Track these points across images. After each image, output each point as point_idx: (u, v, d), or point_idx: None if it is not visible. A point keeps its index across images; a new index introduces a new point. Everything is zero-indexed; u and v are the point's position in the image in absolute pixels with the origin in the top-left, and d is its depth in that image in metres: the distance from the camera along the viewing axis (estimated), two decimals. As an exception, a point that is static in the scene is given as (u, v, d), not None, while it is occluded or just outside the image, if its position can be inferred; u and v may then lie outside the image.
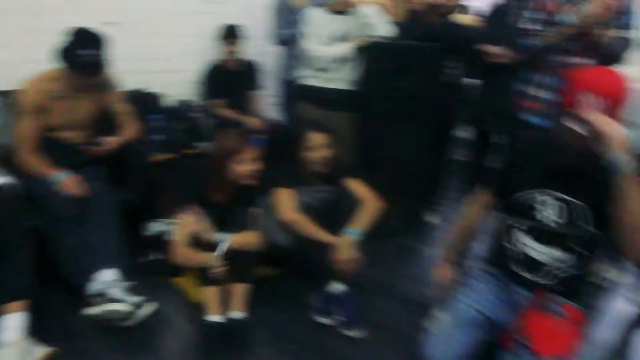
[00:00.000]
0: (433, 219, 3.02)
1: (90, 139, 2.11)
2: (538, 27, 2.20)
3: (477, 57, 2.49)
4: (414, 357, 1.63)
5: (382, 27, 2.55)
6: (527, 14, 2.24)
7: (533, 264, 1.49)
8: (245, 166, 1.99)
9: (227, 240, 1.93)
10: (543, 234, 1.47)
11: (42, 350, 1.59)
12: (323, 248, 1.95)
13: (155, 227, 2.37)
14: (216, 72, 3.19)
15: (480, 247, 1.71)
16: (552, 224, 1.45)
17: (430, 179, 2.96)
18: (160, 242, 2.29)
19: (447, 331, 1.57)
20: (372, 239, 2.05)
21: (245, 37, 3.21)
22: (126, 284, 1.85)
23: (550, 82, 2.18)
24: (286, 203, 2.04)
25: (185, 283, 2.16)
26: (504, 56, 2.36)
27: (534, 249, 1.49)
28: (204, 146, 2.91)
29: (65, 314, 1.86)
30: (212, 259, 1.88)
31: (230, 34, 3.16)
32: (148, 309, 1.81)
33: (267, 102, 3.54)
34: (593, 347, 1.62)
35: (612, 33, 2.07)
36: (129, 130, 2.28)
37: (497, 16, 2.50)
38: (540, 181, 1.47)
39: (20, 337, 1.55)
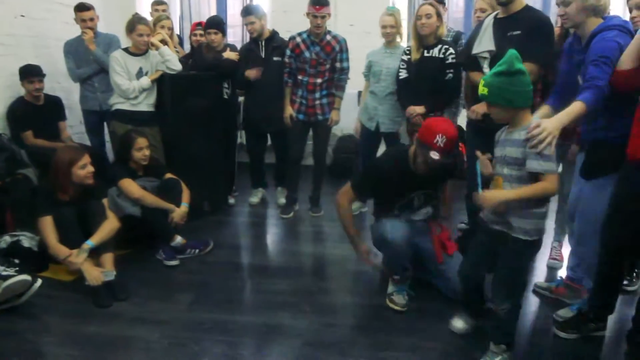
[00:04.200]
0: (232, 201, 4.06)
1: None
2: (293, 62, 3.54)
3: (240, 79, 3.66)
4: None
5: (172, 62, 3.44)
6: (287, 52, 3.53)
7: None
8: (86, 170, 2.63)
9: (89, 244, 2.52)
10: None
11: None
12: (164, 212, 2.89)
13: (6, 239, 2.75)
14: (22, 107, 3.55)
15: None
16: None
17: (225, 172, 3.98)
18: (16, 250, 2.71)
19: (395, 224, 2.37)
20: (189, 219, 3.05)
21: (43, 75, 3.64)
22: (12, 268, 2.31)
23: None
24: (132, 187, 2.84)
25: (53, 272, 2.65)
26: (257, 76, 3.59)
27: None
28: (27, 171, 3.28)
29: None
30: (75, 257, 2.46)
31: (29, 73, 3.55)
32: (38, 283, 2.31)
33: (77, 131, 4.03)
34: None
35: None
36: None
37: (253, 52, 3.70)
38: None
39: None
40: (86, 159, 2.63)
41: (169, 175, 3.11)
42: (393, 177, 2.37)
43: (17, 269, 2.36)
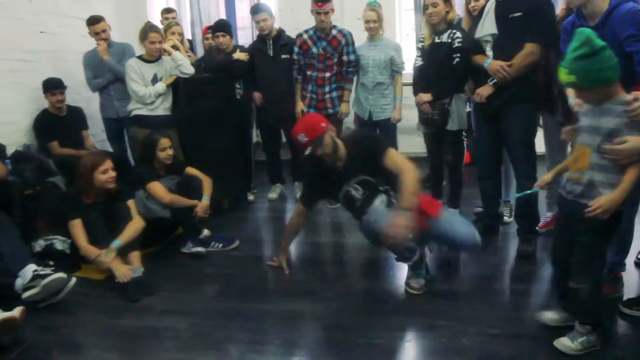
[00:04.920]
0: (252, 197, 4.18)
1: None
2: (301, 58, 3.68)
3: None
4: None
5: (184, 66, 3.56)
6: (295, 49, 3.68)
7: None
8: (108, 174, 2.77)
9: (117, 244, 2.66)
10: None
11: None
12: (191, 209, 3.02)
13: (40, 243, 2.92)
14: (47, 119, 3.73)
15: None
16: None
17: (243, 170, 4.10)
18: (50, 252, 2.88)
19: (376, 214, 2.31)
20: (211, 216, 3.18)
21: (64, 87, 3.81)
22: (49, 268, 2.46)
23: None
24: (161, 191, 3.00)
25: (85, 272, 2.81)
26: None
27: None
28: (55, 179, 3.45)
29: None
30: (104, 256, 2.61)
31: (51, 86, 3.72)
32: (73, 281, 2.47)
33: (100, 139, 4.21)
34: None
35: None
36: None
37: (261, 51, 3.80)
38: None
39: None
40: (108, 164, 2.76)
41: (189, 170, 3.25)
42: (317, 177, 2.59)
43: (54, 268, 2.51)
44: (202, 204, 3.08)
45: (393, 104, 3.64)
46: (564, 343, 1.90)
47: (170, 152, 3.12)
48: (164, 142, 3.10)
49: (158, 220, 2.96)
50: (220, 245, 3.10)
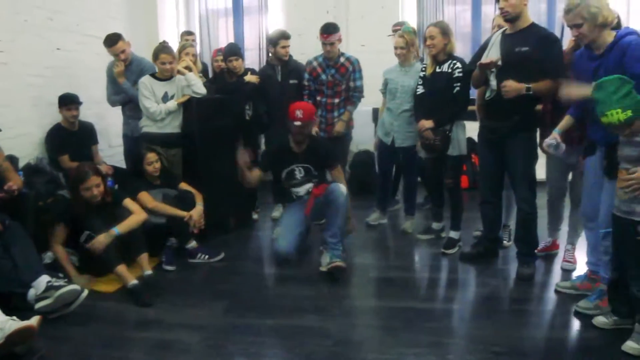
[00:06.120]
0: (256, 216, 4.25)
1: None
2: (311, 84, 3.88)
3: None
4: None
5: (197, 87, 3.67)
6: (306, 75, 3.86)
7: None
8: (91, 192, 2.83)
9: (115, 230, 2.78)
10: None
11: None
12: (180, 218, 3.19)
13: (50, 255, 2.96)
14: (59, 133, 3.81)
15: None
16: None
17: (248, 189, 4.17)
18: (59, 265, 2.92)
19: (285, 231, 3.18)
20: (218, 233, 3.34)
21: (80, 102, 3.89)
22: (61, 280, 2.50)
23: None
24: (146, 199, 3.18)
25: (94, 284, 2.84)
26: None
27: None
28: (64, 192, 3.50)
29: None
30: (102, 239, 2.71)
31: (68, 101, 3.81)
32: (85, 292, 2.51)
33: (107, 154, 4.28)
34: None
35: None
36: (16, 181, 2.85)
37: (270, 76, 3.94)
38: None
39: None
40: (92, 181, 2.83)
41: (183, 185, 3.43)
42: (277, 152, 3.31)
43: (66, 280, 2.55)
44: (197, 210, 3.24)
45: (416, 133, 3.59)
46: (631, 346, 2.06)
47: (156, 165, 3.36)
48: (150, 156, 3.34)
49: (155, 228, 3.10)
50: (207, 257, 3.22)
